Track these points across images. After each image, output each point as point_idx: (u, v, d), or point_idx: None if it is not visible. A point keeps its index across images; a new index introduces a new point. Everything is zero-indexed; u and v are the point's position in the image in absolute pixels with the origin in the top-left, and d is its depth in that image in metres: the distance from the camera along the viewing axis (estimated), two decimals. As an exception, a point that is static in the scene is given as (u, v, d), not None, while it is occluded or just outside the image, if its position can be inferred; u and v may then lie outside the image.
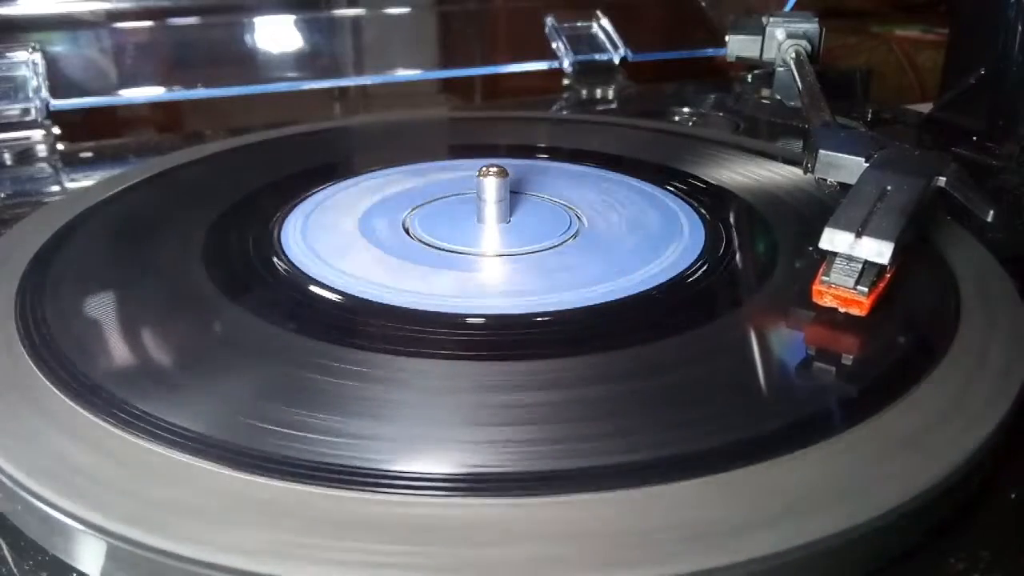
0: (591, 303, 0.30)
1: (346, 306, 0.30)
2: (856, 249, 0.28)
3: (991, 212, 0.33)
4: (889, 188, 0.30)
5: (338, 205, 0.39)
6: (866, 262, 0.28)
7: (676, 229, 0.37)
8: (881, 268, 0.29)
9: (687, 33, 0.81)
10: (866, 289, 0.28)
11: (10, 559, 0.22)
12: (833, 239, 0.29)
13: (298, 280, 0.32)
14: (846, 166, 0.35)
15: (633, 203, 0.40)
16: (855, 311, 0.29)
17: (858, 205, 0.30)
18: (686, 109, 0.63)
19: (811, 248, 0.29)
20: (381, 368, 0.26)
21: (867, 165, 0.33)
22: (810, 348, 0.29)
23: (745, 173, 0.43)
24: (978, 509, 0.24)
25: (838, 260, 0.29)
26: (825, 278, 0.29)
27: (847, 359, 0.27)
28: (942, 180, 0.33)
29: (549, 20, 0.73)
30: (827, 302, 0.29)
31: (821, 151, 0.36)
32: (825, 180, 0.36)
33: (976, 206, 0.33)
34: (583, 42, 0.73)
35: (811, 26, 0.59)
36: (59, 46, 0.60)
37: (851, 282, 0.28)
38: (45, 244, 0.34)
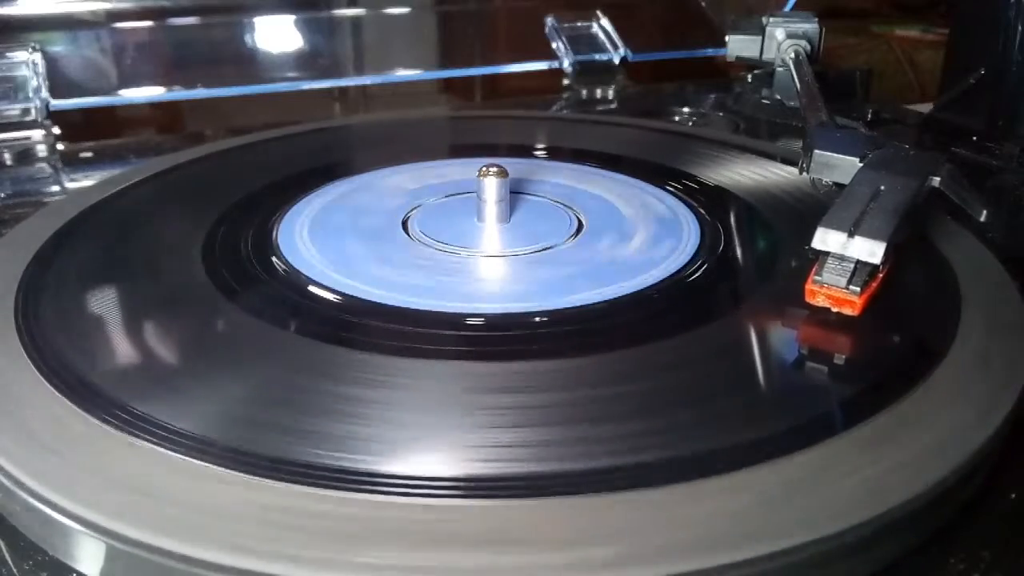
0: (591, 303, 0.30)
1: (345, 306, 0.30)
2: (848, 249, 0.28)
3: (985, 212, 0.33)
4: (883, 188, 0.30)
5: (338, 205, 0.39)
6: (858, 262, 0.28)
7: (675, 229, 0.37)
8: (873, 268, 0.29)
9: (687, 33, 0.81)
10: (858, 289, 0.28)
11: (10, 559, 0.22)
12: (825, 239, 0.29)
13: (297, 280, 0.32)
14: (841, 166, 0.35)
15: (632, 203, 0.40)
16: (847, 311, 0.29)
17: (851, 205, 0.30)
18: (686, 109, 0.63)
19: (805, 248, 0.29)
20: (380, 368, 0.26)
21: (861, 165, 0.33)
22: (803, 348, 0.29)
23: (745, 173, 0.43)
24: (978, 509, 0.24)
25: (830, 260, 0.29)
26: (817, 278, 0.29)
27: (840, 359, 0.27)
28: (936, 180, 0.33)
29: (549, 20, 0.73)
30: (820, 302, 0.29)
31: (816, 151, 0.36)
32: (820, 180, 0.36)
33: (970, 206, 0.33)
34: (583, 42, 0.73)
35: (811, 26, 0.59)
36: (59, 46, 0.60)
37: (843, 282, 0.29)
38: (45, 244, 0.34)
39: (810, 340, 0.29)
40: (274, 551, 0.19)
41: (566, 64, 0.72)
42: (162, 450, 0.22)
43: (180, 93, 0.64)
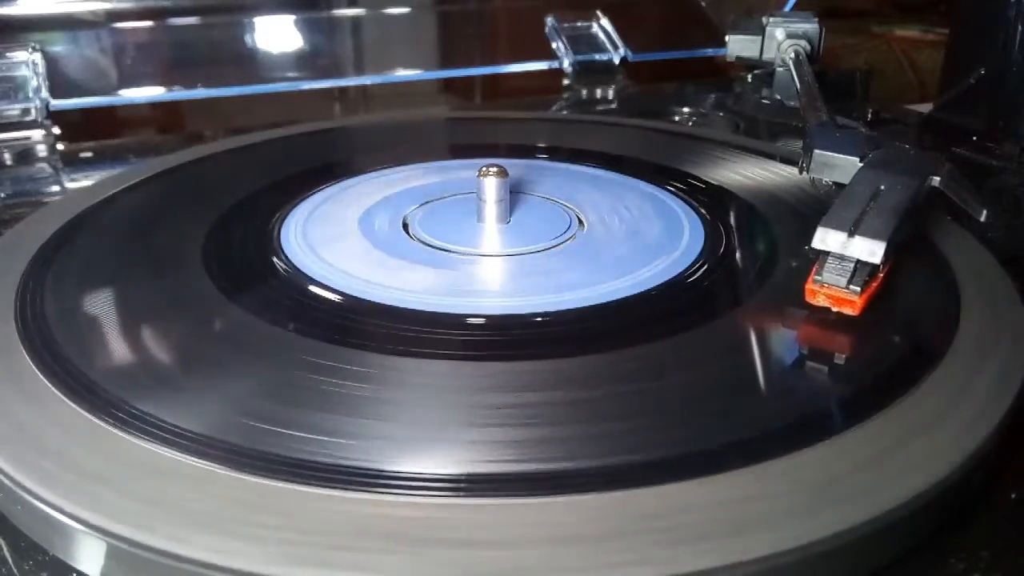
0: (591, 303, 0.30)
1: (346, 306, 0.30)
2: (848, 248, 0.28)
3: (984, 212, 0.33)
4: (883, 188, 0.30)
5: (338, 205, 0.39)
6: (858, 261, 0.28)
7: (676, 229, 0.37)
8: (873, 267, 0.29)
9: (687, 33, 0.81)
10: (858, 288, 0.28)
11: (10, 559, 0.22)
12: (825, 238, 0.29)
13: (298, 280, 0.32)
14: (841, 166, 0.35)
15: (633, 203, 0.40)
16: (847, 311, 0.29)
17: (851, 205, 0.30)
18: (686, 109, 0.63)
19: (805, 247, 0.29)
20: (380, 368, 0.26)
21: (861, 165, 0.33)
22: (803, 348, 0.29)
23: (745, 173, 0.43)
24: (978, 509, 0.24)
25: (830, 259, 0.29)
26: (818, 277, 0.29)
27: (840, 359, 0.27)
28: (936, 180, 0.33)
29: (549, 20, 0.73)
30: (820, 301, 0.29)
31: (816, 151, 0.36)
32: (820, 179, 0.36)
33: (970, 206, 0.33)
34: (583, 42, 0.73)
35: (811, 26, 0.59)
36: (59, 46, 0.60)
37: (843, 281, 0.29)
38: (45, 244, 0.34)
39: (810, 340, 0.29)
40: (274, 550, 0.19)
41: (566, 64, 0.72)
42: (162, 450, 0.22)
43: (180, 93, 0.64)
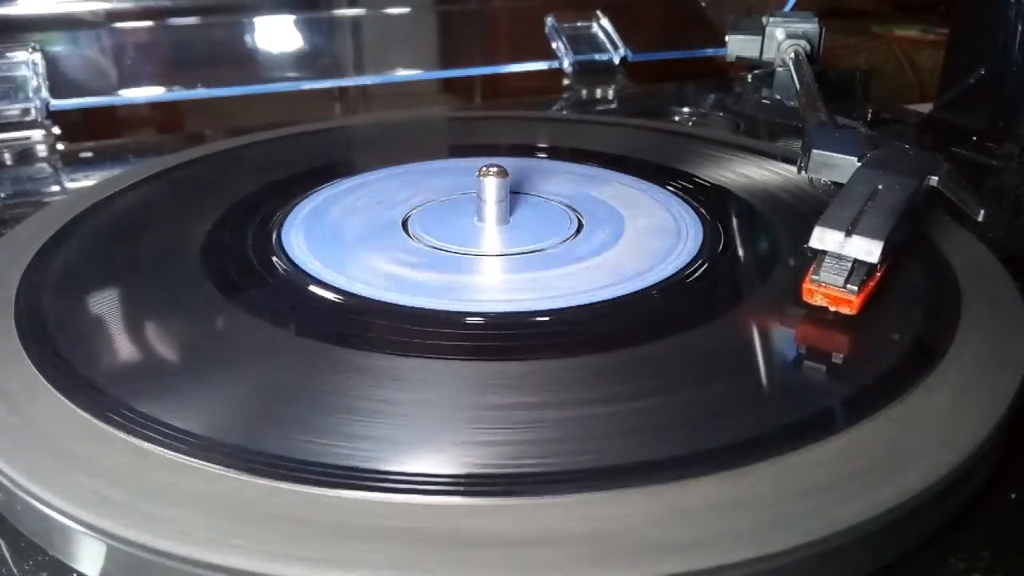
0: (591, 303, 0.30)
1: (346, 306, 0.30)
2: (846, 248, 0.28)
3: (982, 212, 0.33)
4: (881, 187, 0.31)
5: (338, 205, 0.39)
6: (856, 261, 0.28)
7: (675, 229, 0.37)
8: (871, 267, 0.29)
9: (687, 33, 0.81)
10: (856, 288, 0.28)
11: (10, 559, 0.22)
12: (823, 238, 0.29)
13: (298, 280, 0.32)
14: (839, 165, 0.35)
15: (633, 203, 0.40)
16: (845, 310, 0.29)
17: (849, 204, 0.30)
18: (686, 109, 0.63)
19: (803, 247, 0.29)
20: (381, 368, 0.26)
21: (860, 165, 0.33)
22: (800, 347, 0.29)
23: (745, 173, 0.43)
24: (978, 509, 0.24)
25: (828, 259, 0.29)
26: (815, 277, 0.29)
27: (837, 358, 0.27)
28: (934, 180, 0.33)
29: (549, 20, 0.73)
30: (817, 301, 0.29)
31: (814, 151, 0.36)
32: (819, 179, 0.37)
33: (968, 206, 0.33)
34: (583, 42, 0.73)
35: (811, 26, 0.59)
36: (59, 46, 0.60)
37: (841, 281, 0.29)
38: (45, 244, 0.34)
39: (807, 339, 0.29)
40: (274, 551, 0.19)
41: (566, 64, 0.72)
42: (162, 450, 0.22)
43: (180, 93, 0.64)
